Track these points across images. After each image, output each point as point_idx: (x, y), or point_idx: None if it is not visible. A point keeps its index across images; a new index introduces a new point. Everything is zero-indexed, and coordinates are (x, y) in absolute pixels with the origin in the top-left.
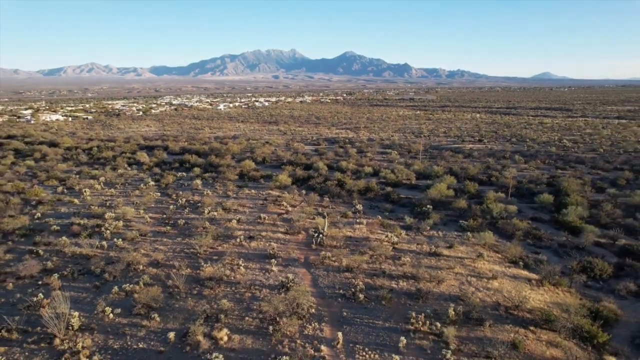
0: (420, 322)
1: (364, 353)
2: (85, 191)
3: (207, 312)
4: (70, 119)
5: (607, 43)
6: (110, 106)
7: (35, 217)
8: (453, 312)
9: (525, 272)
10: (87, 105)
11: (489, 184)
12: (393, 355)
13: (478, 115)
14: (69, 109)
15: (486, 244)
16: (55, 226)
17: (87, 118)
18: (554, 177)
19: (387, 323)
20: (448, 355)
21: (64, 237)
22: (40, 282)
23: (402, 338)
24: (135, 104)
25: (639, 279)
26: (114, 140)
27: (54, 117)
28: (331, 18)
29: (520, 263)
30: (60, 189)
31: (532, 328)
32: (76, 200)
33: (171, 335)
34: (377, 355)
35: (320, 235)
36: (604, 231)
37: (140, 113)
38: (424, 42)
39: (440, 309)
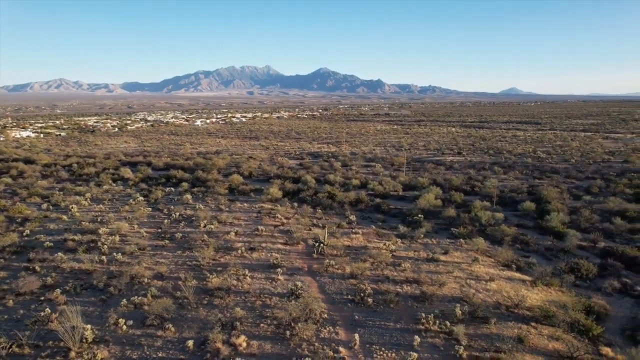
0: (430, 322)
1: (382, 352)
2: (72, 207)
3: (222, 320)
4: (42, 135)
5: (567, 61)
6: (83, 122)
7: (24, 234)
8: (460, 312)
9: (518, 275)
10: (58, 122)
11: (472, 194)
12: (410, 352)
13: (453, 129)
14: (39, 125)
15: (479, 249)
16: (48, 242)
17: (60, 135)
18: (532, 186)
19: (398, 324)
20: (461, 351)
21: (59, 253)
22: (42, 298)
23: (416, 337)
24: (109, 121)
25: (621, 277)
26: (93, 157)
27: (24, 133)
28: (305, 35)
29: (513, 266)
30: (45, 205)
31: (533, 324)
32: (64, 217)
33: (190, 343)
34: (394, 354)
35: (321, 245)
36: (585, 235)
37: (116, 129)
38: (396, 59)
39: (446, 310)
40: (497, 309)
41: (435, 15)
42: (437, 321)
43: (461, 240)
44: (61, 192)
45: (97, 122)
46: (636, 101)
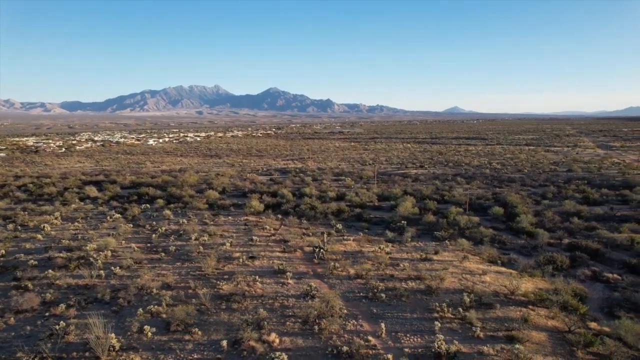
0: (444, 310)
1: (407, 338)
2: (45, 227)
3: (248, 321)
4: None
5: (503, 83)
6: (21, 143)
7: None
8: (468, 300)
9: (504, 269)
10: None
11: (443, 202)
12: (435, 336)
13: (409, 145)
14: None
15: (464, 249)
16: (32, 261)
17: None
18: (495, 193)
19: (415, 314)
20: (478, 331)
21: (50, 270)
22: (47, 314)
23: (437, 323)
24: (51, 141)
25: (590, 266)
26: (48, 177)
27: None
28: (255, 55)
29: (498, 262)
30: (11, 226)
31: (530, 307)
32: (39, 236)
33: (224, 343)
34: (419, 338)
35: (321, 250)
36: (551, 233)
37: (64, 149)
38: (344, 79)
39: (454, 300)
40: (496, 296)
41: (380, 37)
42: (450, 309)
43: (446, 242)
44: (25, 212)
45: (37, 142)
46: (562, 119)
